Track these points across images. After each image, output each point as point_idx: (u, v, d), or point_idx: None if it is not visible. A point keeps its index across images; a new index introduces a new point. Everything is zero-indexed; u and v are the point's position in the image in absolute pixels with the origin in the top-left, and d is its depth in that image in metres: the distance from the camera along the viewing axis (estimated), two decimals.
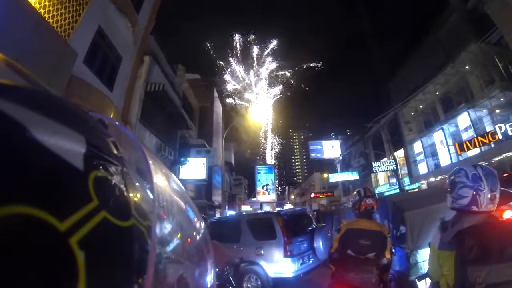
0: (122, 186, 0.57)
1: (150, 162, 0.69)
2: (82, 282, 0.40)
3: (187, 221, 0.88)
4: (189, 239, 0.85)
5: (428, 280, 2.27)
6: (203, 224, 0.97)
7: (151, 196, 0.65)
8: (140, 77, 13.67)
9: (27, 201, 0.38)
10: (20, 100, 0.45)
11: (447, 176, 1.88)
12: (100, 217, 0.46)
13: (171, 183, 0.83)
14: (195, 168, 19.53)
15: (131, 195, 0.58)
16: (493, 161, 17.47)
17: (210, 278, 0.89)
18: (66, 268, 0.39)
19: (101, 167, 0.53)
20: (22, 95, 0.50)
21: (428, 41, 24.90)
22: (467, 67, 20.06)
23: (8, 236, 0.35)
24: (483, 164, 1.83)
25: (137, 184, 0.65)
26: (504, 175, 13.52)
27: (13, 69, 0.60)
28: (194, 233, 0.90)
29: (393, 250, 4.99)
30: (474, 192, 1.67)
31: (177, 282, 0.70)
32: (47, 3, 7.15)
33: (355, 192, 3.46)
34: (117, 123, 0.79)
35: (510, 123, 16.35)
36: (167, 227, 0.70)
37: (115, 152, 0.63)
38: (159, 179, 0.72)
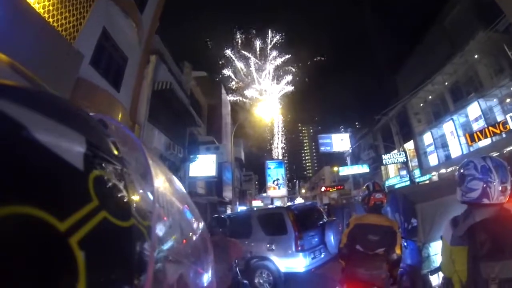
0: (122, 186, 0.57)
1: (150, 161, 0.69)
2: (82, 282, 0.40)
3: (186, 221, 0.88)
4: (188, 239, 0.85)
5: (441, 274, 2.26)
6: (201, 224, 0.97)
7: (151, 196, 0.64)
8: (147, 77, 13.71)
9: (28, 201, 0.38)
10: (21, 100, 0.45)
11: (458, 167, 1.85)
12: (100, 217, 0.47)
13: (171, 183, 0.83)
14: (205, 165, 19.57)
15: (131, 195, 0.59)
16: (504, 151, 17.17)
17: (208, 277, 0.90)
18: (66, 268, 0.40)
19: (101, 167, 0.53)
20: (22, 95, 0.50)
21: (435, 30, 24.46)
22: (475, 56, 19.67)
23: (8, 236, 0.36)
24: (495, 155, 1.80)
25: (137, 184, 0.65)
26: None
27: (14, 70, 0.60)
28: (194, 234, 0.90)
29: (405, 244, 4.84)
30: (484, 185, 1.63)
31: (176, 282, 0.71)
32: (51, 8, 7.26)
33: (364, 187, 3.43)
34: (117, 122, 0.80)
35: None
36: (167, 227, 0.70)
37: (115, 152, 0.63)
38: (159, 179, 0.73)
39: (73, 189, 0.46)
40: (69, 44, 7.51)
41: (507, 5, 15.96)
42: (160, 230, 0.65)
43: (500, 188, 1.62)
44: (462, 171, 1.76)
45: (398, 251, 3.09)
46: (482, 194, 1.63)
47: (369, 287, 2.93)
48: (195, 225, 0.93)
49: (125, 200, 0.56)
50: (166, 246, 0.68)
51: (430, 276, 4.12)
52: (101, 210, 0.47)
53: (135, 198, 0.61)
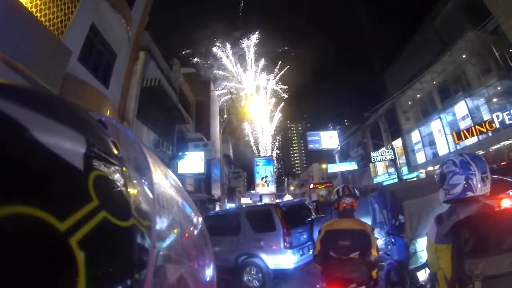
0: (122, 186, 0.57)
1: (150, 161, 0.69)
2: (82, 282, 0.40)
3: (186, 219, 0.88)
4: (188, 237, 0.86)
5: (428, 270, 2.29)
6: (200, 219, 0.97)
7: (151, 196, 0.65)
8: (136, 73, 13.52)
9: (27, 201, 0.38)
10: (20, 100, 0.45)
11: (437, 169, 1.85)
12: (100, 217, 0.46)
13: (170, 182, 0.84)
14: (193, 162, 19.49)
15: (131, 195, 0.58)
16: (490, 150, 17.55)
17: (210, 273, 0.90)
18: (66, 268, 0.39)
19: (101, 167, 0.53)
20: (22, 95, 0.50)
21: (424, 29, 24.84)
22: (463, 56, 20.03)
23: (8, 236, 0.35)
24: (481, 153, 1.78)
25: (137, 184, 0.65)
26: (502, 163, 13.60)
27: (13, 69, 0.60)
28: (193, 230, 0.91)
29: (392, 240, 5.09)
30: (466, 177, 1.65)
31: (177, 282, 0.70)
32: (38, 2, 7.06)
33: (334, 191, 3.45)
34: (117, 122, 0.80)
35: (507, 112, 16.38)
36: (167, 226, 0.70)
37: (115, 152, 0.63)
38: (159, 178, 0.73)
39: (73, 189, 0.46)
40: (57, 40, 7.29)
41: (495, 6, 16.27)
42: (160, 229, 0.64)
43: (481, 179, 1.64)
44: (442, 170, 1.77)
45: (374, 253, 3.06)
46: (466, 187, 1.64)
47: (349, 284, 2.93)
48: (195, 224, 0.93)
49: (125, 200, 0.56)
50: (166, 246, 0.68)
51: (417, 272, 4.25)
52: (101, 210, 0.47)
53: (135, 198, 0.60)
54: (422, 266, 4.04)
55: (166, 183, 0.78)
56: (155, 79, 14.50)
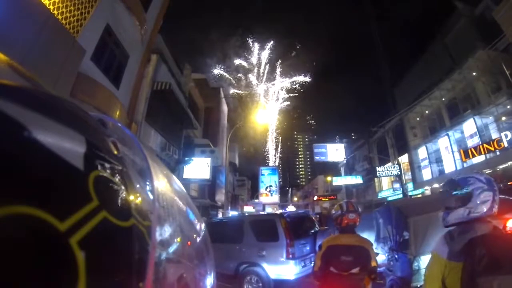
0: (122, 186, 0.57)
1: (150, 161, 0.70)
2: (82, 282, 0.40)
3: (187, 221, 0.87)
4: (189, 240, 0.85)
5: None
6: (203, 225, 0.97)
7: (151, 196, 0.65)
8: (147, 76, 13.71)
9: (27, 201, 0.38)
10: (20, 100, 0.45)
11: (454, 187, 1.77)
12: (100, 217, 0.46)
13: (171, 183, 0.84)
14: (199, 167, 19.57)
15: (131, 195, 0.59)
16: (498, 169, 17.35)
17: (210, 279, 0.89)
18: (66, 268, 0.40)
19: (101, 167, 0.53)
20: (22, 95, 0.50)
21: (435, 46, 24.84)
22: (474, 74, 19.95)
23: (8, 236, 0.35)
24: (488, 172, 1.78)
25: (137, 184, 0.65)
26: (509, 183, 13.43)
27: (13, 69, 0.60)
28: (194, 234, 0.90)
29: (396, 256, 5.06)
30: (493, 194, 1.62)
31: (177, 282, 0.70)
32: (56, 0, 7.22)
33: (336, 206, 3.43)
34: (117, 122, 0.80)
35: None
36: (167, 227, 0.69)
37: (115, 152, 0.63)
38: (159, 179, 0.73)
39: (73, 189, 0.46)
40: (72, 38, 7.41)
41: (507, 24, 16.24)
42: (160, 230, 0.64)
43: (490, 208, 1.62)
44: (465, 189, 1.69)
45: (373, 264, 3.08)
46: (492, 205, 1.61)
47: None
48: (195, 226, 0.93)
49: (125, 200, 0.56)
50: (166, 246, 0.68)
51: None
52: (101, 210, 0.47)
53: (135, 198, 0.60)
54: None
55: (166, 184, 0.79)
56: (166, 82, 14.71)
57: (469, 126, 20.68)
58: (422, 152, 26.94)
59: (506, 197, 5.02)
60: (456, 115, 22.47)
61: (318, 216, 18.52)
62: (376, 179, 34.84)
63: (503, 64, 17.82)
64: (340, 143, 44.03)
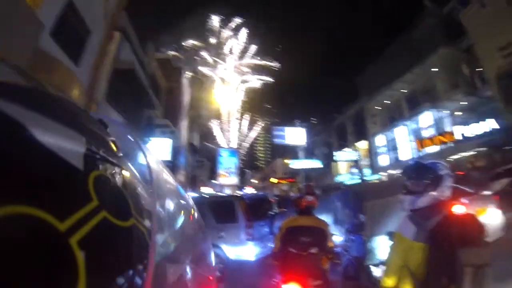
0: (122, 186, 0.57)
1: (150, 161, 0.69)
2: (82, 281, 0.40)
3: (186, 219, 0.87)
4: (188, 238, 0.85)
5: (383, 267, 2.37)
6: (197, 214, 0.98)
7: (151, 196, 0.64)
8: (109, 54, 12.95)
9: (28, 201, 0.38)
10: (21, 100, 0.45)
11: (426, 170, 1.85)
12: (100, 217, 0.46)
13: (169, 181, 0.84)
14: (159, 148, 19.23)
15: (131, 195, 0.58)
16: (450, 159, 18.48)
17: (209, 265, 0.92)
18: (66, 268, 0.40)
19: (101, 167, 0.53)
20: (22, 95, 0.50)
21: (402, 40, 25.59)
22: (435, 70, 20.98)
23: (8, 236, 0.35)
24: (442, 161, 1.92)
25: (137, 184, 0.65)
26: (459, 173, 14.38)
27: (14, 69, 0.58)
28: (193, 229, 0.91)
29: (352, 237, 5.32)
30: (427, 187, 1.75)
31: (177, 281, 0.70)
32: None
33: (295, 188, 3.54)
34: (117, 122, 0.81)
35: (469, 126, 17.58)
36: (167, 226, 0.70)
37: (115, 152, 0.62)
38: (158, 178, 0.72)
39: (73, 189, 0.47)
40: (31, 11, 6.77)
41: (472, 26, 17.17)
42: (160, 229, 0.64)
43: (445, 195, 1.77)
44: (438, 172, 1.78)
45: (330, 244, 3.26)
46: (450, 190, 1.78)
47: (307, 278, 2.99)
48: (194, 222, 0.95)
49: (125, 200, 0.56)
50: (166, 245, 0.68)
51: (373, 268, 4.43)
52: (101, 210, 0.48)
53: (135, 198, 0.60)
54: (379, 264, 4.17)
55: (165, 182, 0.79)
56: (129, 61, 14.15)
57: (426, 118, 22.02)
58: (380, 140, 28.27)
59: (456, 185, 5.46)
60: (415, 107, 23.58)
61: (277, 198, 18.71)
62: (334, 164, 36.10)
63: (463, 63, 18.99)
64: (300, 127, 44.67)
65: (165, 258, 0.66)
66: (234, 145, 42.32)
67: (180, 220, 0.82)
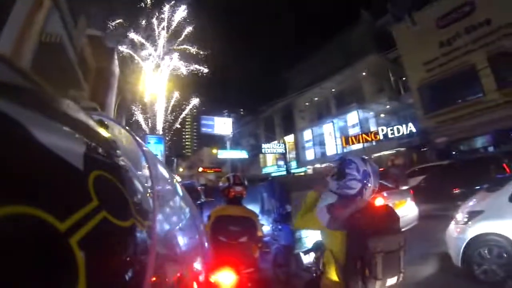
0: (122, 186, 0.57)
1: (150, 161, 0.70)
2: (82, 281, 0.40)
3: (186, 218, 0.89)
4: (187, 236, 0.85)
5: (312, 254, 2.68)
6: (194, 210, 0.98)
7: (151, 196, 0.65)
8: (36, 24, 11.18)
9: (28, 201, 0.38)
10: (21, 101, 0.45)
11: (331, 164, 2.22)
12: (100, 217, 0.46)
13: (169, 180, 0.85)
14: None
15: (131, 195, 0.59)
16: (372, 157, 20.41)
17: (204, 264, 0.91)
18: (66, 268, 0.40)
19: (101, 167, 0.53)
20: (23, 95, 0.50)
21: (335, 41, 26.91)
22: (363, 73, 22.76)
23: (8, 236, 0.35)
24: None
25: (137, 184, 0.65)
26: (380, 169, 16.06)
27: (14, 69, 0.58)
28: (192, 228, 0.92)
29: (280, 227, 5.58)
30: (362, 186, 1.91)
31: (177, 281, 0.71)
32: None
33: (224, 178, 3.65)
34: (117, 122, 0.80)
35: (391, 127, 19.47)
36: (167, 226, 0.71)
37: (115, 152, 0.63)
38: (159, 178, 0.74)
39: (73, 189, 0.47)
40: None
41: (401, 40, 18.98)
42: (160, 229, 0.65)
43: (372, 191, 1.96)
44: (342, 167, 2.00)
45: (259, 233, 3.36)
46: (358, 193, 1.93)
47: (238, 266, 3.04)
48: (193, 221, 0.95)
49: (125, 200, 0.57)
50: (166, 245, 0.70)
51: (302, 255, 4.68)
52: (101, 210, 0.47)
53: (135, 198, 0.61)
54: (308, 251, 4.60)
55: (165, 182, 0.80)
56: (57, 34, 12.31)
57: (353, 117, 23.77)
58: (307, 134, 29.52)
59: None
60: (343, 105, 25.20)
61: (203, 187, 18.64)
62: (261, 155, 36.82)
63: (390, 71, 20.96)
64: (228, 117, 44.60)
65: (165, 257, 0.65)
66: (160, 132, 40.58)
67: (179, 220, 0.82)
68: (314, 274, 2.49)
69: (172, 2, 36.26)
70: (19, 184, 0.38)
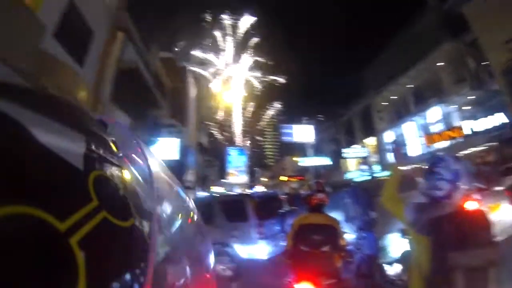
0: (122, 186, 0.57)
1: (150, 161, 0.70)
2: (82, 282, 0.40)
3: (185, 218, 0.88)
4: (187, 236, 0.86)
5: (397, 266, 2.55)
6: (197, 214, 0.98)
7: (151, 196, 0.65)
8: (112, 54, 13.06)
9: (28, 201, 0.38)
10: (21, 101, 0.45)
11: (416, 166, 1.90)
12: (100, 217, 0.46)
13: (169, 180, 0.84)
14: (167, 148, 19.35)
15: (131, 195, 0.58)
16: (459, 155, 18.25)
17: (208, 264, 0.92)
18: (66, 268, 0.40)
19: (101, 167, 0.53)
20: (22, 95, 0.50)
21: (405, 34, 25.16)
22: (440, 64, 20.68)
23: (8, 236, 0.35)
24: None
25: (137, 184, 0.65)
26: None
27: (13, 69, 0.58)
28: (193, 228, 0.92)
29: (364, 235, 5.26)
30: (451, 187, 1.71)
31: (177, 281, 0.70)
32: None
33: (306, 186, 3.51)
34: (118, 122, 0.79)
35: (477, 120, 17.29)
36: (167, 226, 0.70)
37: (115, 151, 0.63)
38: (159, 177, 0.73)
39: (73, 189, 0.47)
40: (32, 13, 6.82)
41: (475, 19, 16.83)
42: (160, 229, 0.64)
43: (462, 193, 1.73)
44: (432, 166, 1.81)
45: (342, 242, 3.22)
46: (447, 195, 1.72)
47: (320, 276, 2.97)
48: (194, 222, 0.94)
49: (125, 200, 0.56)
50: (166, 245, 0.68)
51: (387, 266, 4.45)
52: (101, 210, 0.48)
53: (136, 198, 0.60)
54: (393, 262, 4.18)
55: (165, 182, 0.80)
56: (132, 61, 14.17)
57: (434, 113, 21.72)
58: (388, 136, 27.83)
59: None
60: (422, 101, 23.26)
61: (286, 196, 18.72)
62: (343, 161, 35.82)
63: (468, 57, 18.55)
64: (308, 124, 44.49)
65: (165, 258, 0.66)
66: (242, 143, 42.48)
67: (180, 221, 0.82)
68: None
69: (238, 15, 38.06)
70: (19, 184, 0.39)
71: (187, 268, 0.79)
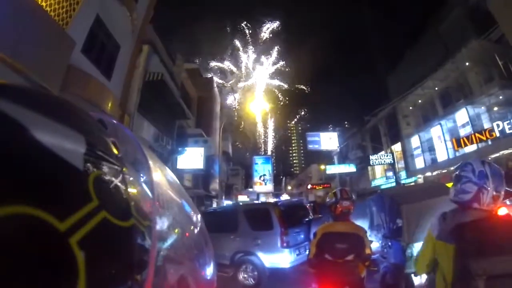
0: (122, 186, 0.57)
1: (150, 161, 0.69)
2: (82, 282, 0.40)
3: (186, 219, 0.89)
4: (188, 236, 0.86)
5: (424, 276, 2.38)
6: (200, 217, 0.97)
7: (151, 196, 0.65)
8: (139, 66, 13.52)
9: (28, 201, 0.38)
10: (21, 101, 0.46)
11: (443, 171, 1.84)
12: (100, 217, 0.47)
13: (169, 181, 0.84)
14: (192, 157, 19.53)
15: (131, 195, 0.59)
16: (489, 158, 17.56)
17: (210, 270, 0.90)
18: (66, 268, 0.40)
19: (101, 167, 0.53)
20: (23, 95, 0.51)
21: (429, 36, 24.75)
22: (467, 64, 20.02)
23: (8, 236, 0.36)
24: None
25: (137, 184, 0.66)
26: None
27: (13, 69, 0.61)
28: (193, 229, 0.91)
29: (389, 243, 5.14)
30: (478, 190, 1.62)
31: (177, 282, 0.71)
32: None
33: (331, 193, 3.45)
34: (117, 122, 0.80)
35: (508, 121, 16.49)
36: (168, 226, 0.70)
37: (115, 152, 0.63)
38: (159, 178, 0.73)
39: (73, 189, 0.47)
40: (61, 30, 7.28)
41: (501, 15, 16.25)
42: (160, 229, 0.65)
43: (492, 196, 1.62)
44: (458, 172, 1.75)
45: (367, 251, 3.11)
46: (474, 198, 1.64)
47: (343, 286, 2.94)
48: (194, 223, 0.93)
49: (125, 200, 0.57)
50: (167, 246, 0.68)
51: (413, 276, 4.24)
52: (101, 210, 0.48)
53: (135, 198, 0.61)
54: None
55: (165, 182, 0.79)
56: (158, 73, 14.54)
57: (462, 115, 20.93)
58: (415, 141, 27.16)
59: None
60: (449, 104, 22.63)
61: (312, 204, 18.62)
62: (369, 168, 35.14)
63: (496, 54, 17.94)
64: (333, 132, 44.06)
65: (165, 259, 0.66)
66: (268, 152, 42.45)
67: (181, 223, 0.82)
68: None
69: (263, 23, 38.54)
70: (19, 184, 0.38)
71: (188, 270, 0.80)
